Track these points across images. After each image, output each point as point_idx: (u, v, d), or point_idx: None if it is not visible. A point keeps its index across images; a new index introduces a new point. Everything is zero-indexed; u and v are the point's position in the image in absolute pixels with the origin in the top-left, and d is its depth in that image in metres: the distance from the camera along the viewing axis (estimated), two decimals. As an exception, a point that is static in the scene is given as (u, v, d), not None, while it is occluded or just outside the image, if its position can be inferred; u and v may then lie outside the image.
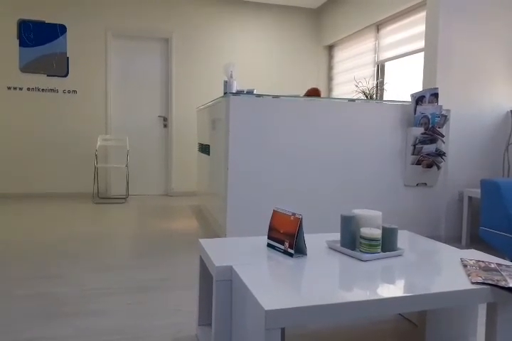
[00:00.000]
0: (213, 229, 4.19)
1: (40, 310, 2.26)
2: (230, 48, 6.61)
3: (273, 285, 1.44)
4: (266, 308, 1.23)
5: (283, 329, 1.81)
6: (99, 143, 5.95)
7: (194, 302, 2.41)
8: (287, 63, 6.90)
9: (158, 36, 6.30)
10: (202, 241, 1.99)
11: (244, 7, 6.62)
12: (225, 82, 4.09)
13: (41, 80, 5.91)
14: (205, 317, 2.02)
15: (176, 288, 2.62)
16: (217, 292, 1.63)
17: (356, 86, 5.92)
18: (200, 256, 2.00)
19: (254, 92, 3.90)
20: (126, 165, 5.86)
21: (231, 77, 4.08)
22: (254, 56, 6.72)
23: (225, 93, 3.92)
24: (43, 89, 5.92)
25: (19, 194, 5.90)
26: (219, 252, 1.81)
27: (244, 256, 1.77)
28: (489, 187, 3.12)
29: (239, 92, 3.82)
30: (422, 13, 4.58)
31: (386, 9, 5.12)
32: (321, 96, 5.02)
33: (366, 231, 1.78)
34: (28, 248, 3.43)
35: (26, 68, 5.85)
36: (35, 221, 4.42)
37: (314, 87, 4.44)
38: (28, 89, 5.87)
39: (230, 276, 1.63)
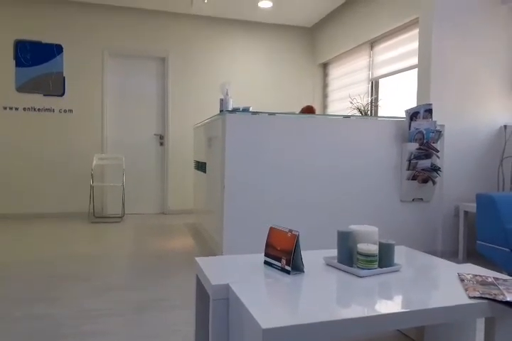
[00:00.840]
0: (210, 247, 4.17)
1: (38, 331, 2.23)
2: (225, 67, 6.67)
3: (270, 303, 1.43)
4: (263, 326, 1.23)
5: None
6: (95, 162, 5.95)
7: (192, 321, 2.39)
8: (283, 81, 6.96)
9: (154, 55, 6.36)
10: (198, 259, 1.98)
11: (240, 26, 6.70)
12: (221, 100, 4.12)
13: (37, 100, 5.94)
14: (202, 337, 2.00)
15: (174, 308, 2.60)
16: (214, 311, 1.62)
17: (351, 102, 5.97)
18: (197, 275, 1.99)
19: (250, 110, 3.93)
20: (123, 184, 5.86)
21: (227, 94, 4.11)
22: (249, 74, 6.79)
23: (221, 111, 3.95)
24: (39, 109, 5.94)
25: (15, 214, 5.88)
26: (215, 270, 1.81)
27: (241, 273, 1.77)
28: (485, 202, 3.13)
29: (235, 110, 3.85)
30: (415, 31, 4.65)
31: (380, 27, 5.20)
32: (316, 113, 5.06)
33: (363, 247, 1.78)
34: (26, 268, 3.40)
35: (22, 88, 5.89)
36: (32, 241, 4.40)
37: (309, 105, 4.48)
38: (25, 108, 5.89)
39: (226, 295, 1.63)
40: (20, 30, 5.85)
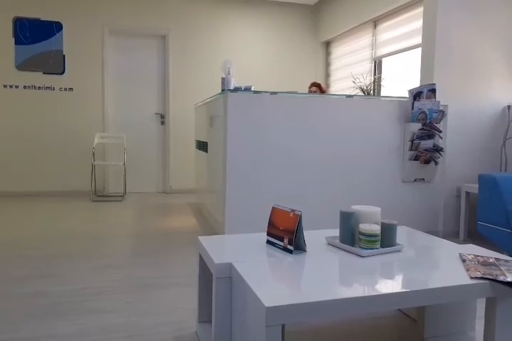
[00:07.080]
0: (212, 227, 4.19)
1: (39, 308, 2.26)
2: (227, 45, 6.59)
3: (273, 282, 1.44)
4: (266, 305, 1.24)
5: (283, 326, 1.81)
6: (96, 140, 5.94)
7: (194, 299, 2.42)
8: (285, 59, 6.89)
9: (155, 33, 6.28)
10: (201, 238, 1.99)
11: (242, 3, 6.60)
12: (223, 79, 4.08)
13: (37, 78, 5.89)
14: (205, 315, 2.02)
15: (176, 286, 2.62)
16: (217, 289, 1.64)
17: (354, 82, 5.92)
18: (200, 254, 2.00)
19: (252, 89, 3.89)
20: (124, 163, 5.85)
21: (228, 73, 4.07)
22: (251, 52, 6.71)
23: (222, 90, 3.91)
24: (39, 87, 5.90)
25: (16, 192, 5.89)
26: (218, 249, 1.81)
27: (244, 253, 1.77)
28: (487, 182, 3.13)
29: (237, 89, 3.82)
30: (420, 9, 4.58)
31: (383, 5, 5.11)
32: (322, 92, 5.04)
33: (365, 227, 1.78)
34: (27, 246, 3.42)
35: (22, 66, 5.83)
36: (34, 219, 4.42)
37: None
38: (25, 87, 5.85)
39: (229, 273, 1.64)
40: (19, 7, 5.75)
